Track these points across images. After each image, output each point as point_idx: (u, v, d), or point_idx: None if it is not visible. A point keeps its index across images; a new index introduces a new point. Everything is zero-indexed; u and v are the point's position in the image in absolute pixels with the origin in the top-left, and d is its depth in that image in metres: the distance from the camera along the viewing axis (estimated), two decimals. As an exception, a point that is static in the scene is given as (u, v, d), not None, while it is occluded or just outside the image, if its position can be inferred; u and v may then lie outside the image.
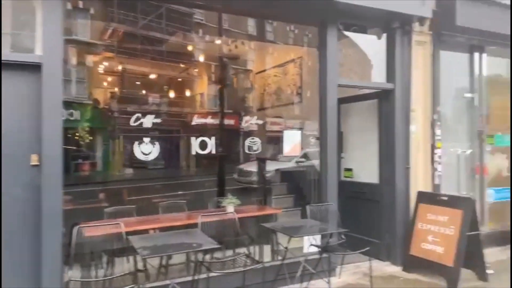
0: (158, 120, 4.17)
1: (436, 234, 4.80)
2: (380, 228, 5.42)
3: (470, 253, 4.58)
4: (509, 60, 7.02)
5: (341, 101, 5.92)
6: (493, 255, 5.49)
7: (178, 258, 4.31)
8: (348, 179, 6.06)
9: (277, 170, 7.18)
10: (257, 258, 4.67)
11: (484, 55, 6.03)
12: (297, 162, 7.34)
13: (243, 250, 4.41)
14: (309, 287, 4.29)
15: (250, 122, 4.67)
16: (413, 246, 5.03)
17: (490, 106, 6.26)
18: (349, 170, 6.09)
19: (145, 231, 4.17)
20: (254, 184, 8.51)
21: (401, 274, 4.89)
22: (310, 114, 5.23)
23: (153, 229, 4.25)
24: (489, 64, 6.28)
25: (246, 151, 4.54)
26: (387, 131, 5.39)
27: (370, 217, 5.57)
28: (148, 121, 4.07)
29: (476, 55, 5.99)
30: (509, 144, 6.52)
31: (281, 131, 5.21)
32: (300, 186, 6.66)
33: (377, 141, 5.57)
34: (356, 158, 6.05)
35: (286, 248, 3.98)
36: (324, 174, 4.85)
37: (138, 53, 11.00)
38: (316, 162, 5.23)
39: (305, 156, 6.51)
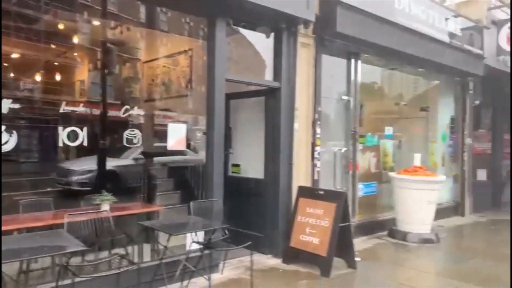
0: (17, 106, 3.58)
1: (313, 226, 5.09)
2: (264, 222, 5.56)
3: (342, 243, 4.95)
4: (381, 69, 7.88)
5: (231, 96, 5.93)
6: (360, 244, 6.07)
7: (42, 262, 3.81)
8: (236, 175, 6.10)
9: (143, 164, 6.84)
10: (136, 258, 4.39)
11: (359, 62, 6.59)
12: (134, 159, 6.92)
13: (120, 250, 4.10)
14: (190, 285, 4.16)
15: (130, 113, 4.32)
16: (293, 238, 5.25)
17: (364, 109, 6.90)
18: (237, 165, 6.13)
19: (9, 233, 3.59)
20: (74, 186, 7.36)
21: (281, 266, 5.07)
22: (203, 108, 5.09)
23: (12, 230, 3.68)
24: (366, 71, 6.91)
25: (125, 144, 4.20)
26: (273, 128, 5.53)
27: (255, 212, 5.68)
28: (3, 107, 3.46)
29: (353, 61, 6.51)
30: (376, 143, 7.32)
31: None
32: (188, 181, 6.49)
33: (264, 137, 5.69)
34: (244, 154, 6.12)
35: (165, 246, 3.79)
36: (211, 170, 4.76)
37: (5, 31, 9.51)
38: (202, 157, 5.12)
39: (194, 150, 6.37)
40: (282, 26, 5.32)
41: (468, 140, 8.88)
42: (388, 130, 7.54)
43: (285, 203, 5.46)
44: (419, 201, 6.40)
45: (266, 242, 5.47)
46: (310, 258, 4.97)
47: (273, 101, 5.52)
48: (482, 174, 9.71)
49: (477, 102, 9.07)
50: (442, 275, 5.12)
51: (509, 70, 9.07)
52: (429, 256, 5.87)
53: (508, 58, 8.92)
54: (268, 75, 5.63)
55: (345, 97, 6.54)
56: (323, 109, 6.03)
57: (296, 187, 5.50)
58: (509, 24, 8.37)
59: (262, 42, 5.60)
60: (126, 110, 4.25)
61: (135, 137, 4.21)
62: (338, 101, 6.56)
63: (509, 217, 8.88)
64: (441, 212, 7.69)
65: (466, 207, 8.85)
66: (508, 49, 8.35)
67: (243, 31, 5.41)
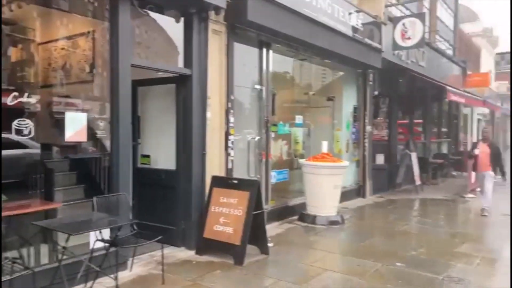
0: None
1: (227, 216, 5.08)
2: (176, 215, 5.40)
3: (255, 230, 5.02)
4: (292, 59, 8.11)
5: (139, 83, 5.61)
6: (272, 229, 6.25)
7: None
8: (146, 166, 5.83)
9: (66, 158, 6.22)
10: (32, 261, 3.96)
11: (271, 52, 6.69)
12: None
13: (12, 254, 3.67)
14: (95, 286, 3.88)
15: (19, 100, 3.81)
16: (207, 229, 5.18)
17: (276, 98, 7.05)
18: (147, 156, 5.86)
19: None
20: None
21: (194, 258, 4.98)
22: (108, 96, 4.72)
23: None
24: (277, 61, 7.04)
25: (14, 135, 3.70)
26: (184, 117, 5.37)
27: (167, 204, 5.49)
28: None
29: (264, 50, 6.58)
30: (288, 131, 7.57)
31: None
32: (93, 175, 6.02)
33: (175, 126, 5.50)
34: (154, 144, 5.86)
35: (63, 247, 3.45)
36: (116, 162, 4.46)
37: None
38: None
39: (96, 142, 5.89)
40: (192, 11, 5.14)
41: (368, 128, 9.64)
42: (299, 119, 7.83)
43: (198, 194, 5.37)
44: (326, 185, 6.78)
45: (179, 235, 5.35)
46: (224, 248, 4.96)
47: (184, 88, 5.34)
48: (380, 159, 10.66)
49: (376, 92, 9.87)
50: (346, 254, 5.49)
51: (402, 64, 10.02)
52: (335, 237, 6.27)
53: (403, 52, 9.84)
54: (180, 62, 5.43)
55: (257, 86, 6.60)
56: (237, 98, 6.02)
57: (209, 177, 5.43)
58: (403, 21, 9.19)
59: (173, 27, 5.36)
60: (15, 97, 3.74)
61: (26, 127, 3.72)
62: (251, 90, 6.61)
63: (403, 197, 9.91)
64: (345, 195, 8.28)
65: (367, 189, 9.65)
66: (403, 44, 9.18)
67: (153, 14, 5.12)
